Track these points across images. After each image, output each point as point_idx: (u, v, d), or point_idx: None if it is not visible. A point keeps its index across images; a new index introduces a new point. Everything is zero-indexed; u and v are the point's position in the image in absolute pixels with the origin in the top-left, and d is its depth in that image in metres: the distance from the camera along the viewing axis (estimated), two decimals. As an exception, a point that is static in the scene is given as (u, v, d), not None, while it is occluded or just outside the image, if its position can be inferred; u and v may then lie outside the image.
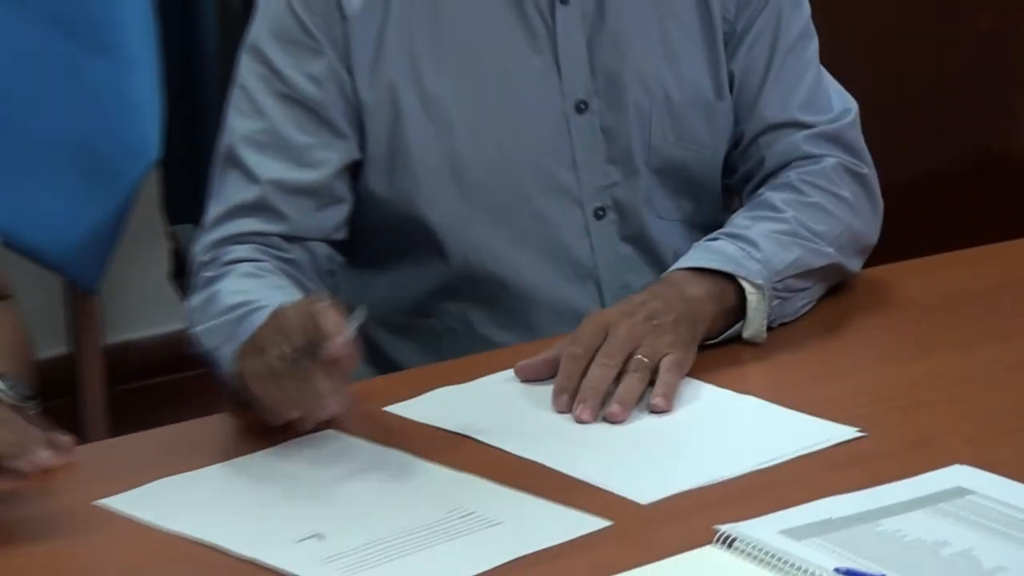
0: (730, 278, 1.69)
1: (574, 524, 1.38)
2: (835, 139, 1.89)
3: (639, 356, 1.56)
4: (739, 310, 1.70)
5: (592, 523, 1.38)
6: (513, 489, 1.42)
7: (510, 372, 1.66)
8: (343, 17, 1.76)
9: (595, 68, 1.83)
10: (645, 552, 1.30)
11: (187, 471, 1.50)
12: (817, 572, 1.23)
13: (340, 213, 1.79)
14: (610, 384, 1.54)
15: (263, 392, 1.50)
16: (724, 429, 1.57)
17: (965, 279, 1.97)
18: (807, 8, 1.91)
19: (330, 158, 1.77)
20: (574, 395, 1.54)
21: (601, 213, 1.84)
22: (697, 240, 1.82)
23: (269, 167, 1.75)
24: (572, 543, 1.34)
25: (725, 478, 1.44)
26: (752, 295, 1.69)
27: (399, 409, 1.59)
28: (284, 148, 1.75)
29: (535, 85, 1.82)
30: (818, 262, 1.78)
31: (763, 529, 1.30)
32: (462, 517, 1.39)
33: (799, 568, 1.24)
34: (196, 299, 1.72)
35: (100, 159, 2.77)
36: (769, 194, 1.83)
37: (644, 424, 1.55)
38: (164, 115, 2.86)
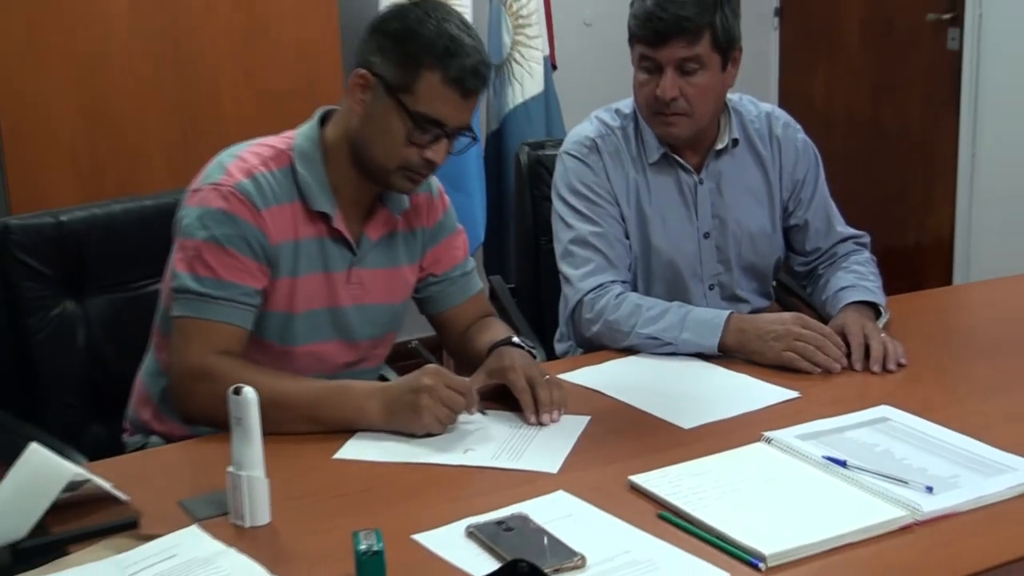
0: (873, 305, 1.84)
1: (578, 423, 1.44)
2: (865, 245, 2.05)
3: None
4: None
5: (581, 421, 1.43)
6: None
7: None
8: (614, 194, 1.89)
9: (714, 216, 1.96)
10: (706, 449, 1.35)
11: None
12: (814, 457, 1.32)
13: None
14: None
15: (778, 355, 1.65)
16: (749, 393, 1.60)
17: (927, 309, 2.05)
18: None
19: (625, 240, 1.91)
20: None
21: (713, 287, 1.99)
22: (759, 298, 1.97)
23: (595, 252, 1.88)
24: (647, 448, 1.35)
25: (747, 411, 1.50)
26: (884, 312, 1.85)
27: (570, 376, 1.64)
28: (592, 244, 1.87)
29: (685, 224, 1.95)
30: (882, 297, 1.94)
31: (787, 435, 1.40)
32: (519, 430, 1.42)
33: (805, 455, 1.33)
34: (619, 313, 1.77)
35: None
36: (856, 267, 1.94)
37: (705, 390, 1.61)
38: (486, 220, 3.02)
